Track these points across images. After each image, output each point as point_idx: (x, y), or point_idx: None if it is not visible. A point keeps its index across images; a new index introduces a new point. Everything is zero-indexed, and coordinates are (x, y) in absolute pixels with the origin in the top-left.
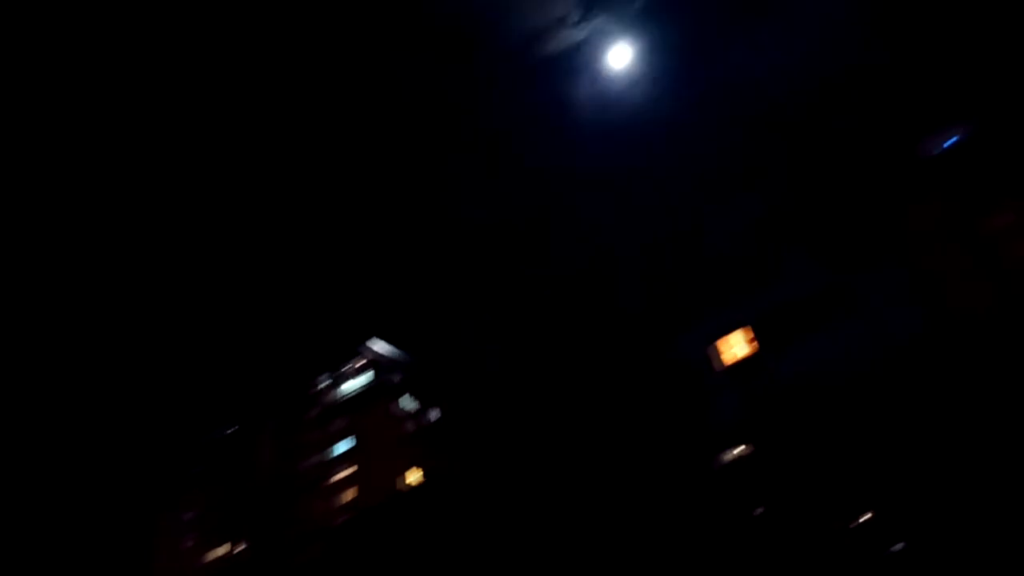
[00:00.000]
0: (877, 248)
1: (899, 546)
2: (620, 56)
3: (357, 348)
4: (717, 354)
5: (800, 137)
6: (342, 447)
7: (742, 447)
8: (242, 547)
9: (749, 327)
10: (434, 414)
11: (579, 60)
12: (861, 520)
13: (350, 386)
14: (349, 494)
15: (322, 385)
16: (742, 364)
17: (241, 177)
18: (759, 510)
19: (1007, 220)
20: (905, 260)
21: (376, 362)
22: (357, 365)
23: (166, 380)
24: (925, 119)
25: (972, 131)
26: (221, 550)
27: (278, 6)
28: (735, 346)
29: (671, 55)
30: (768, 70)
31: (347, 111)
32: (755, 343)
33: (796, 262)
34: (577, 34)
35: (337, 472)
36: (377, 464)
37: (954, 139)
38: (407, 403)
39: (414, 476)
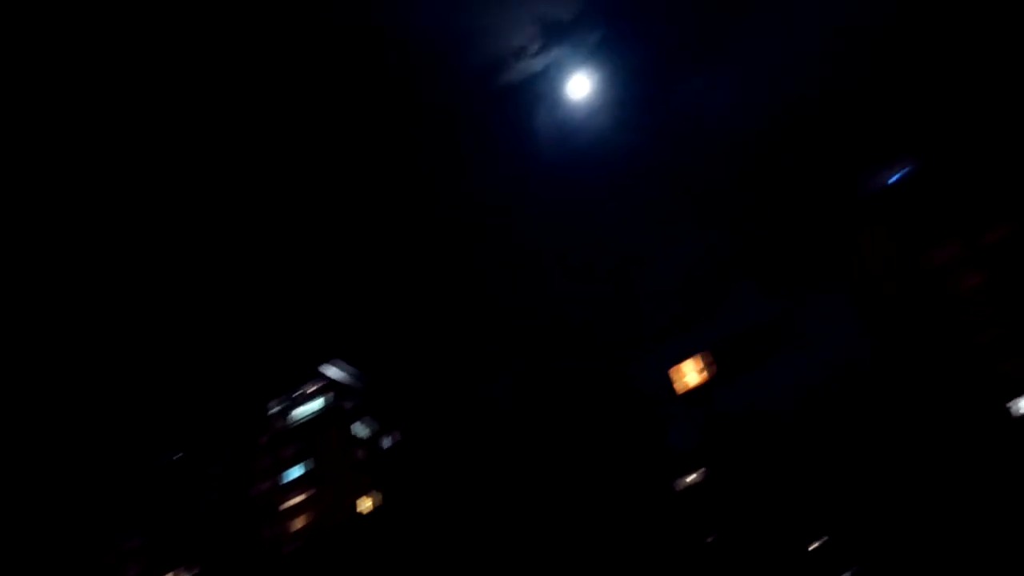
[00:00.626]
0: (825, 279)
1: (852, 571)
2: (578, 87)
3: (312, 371)
4: (673, 381)
5: (752, 171)
6: (295, 472)
7: (697, 473)
8: (193, 574)
9: (702, 355)
10: (389, 440)
11: (538, 89)
12: (815, 545)
13: (304, 410)
14: (302, 520)
15: (275, 409)
16: (696, 391)
17: (197, 198)
18: (713, 536)
19: (949, 254)
20: (852, 291)
21: (331, 386)
22: (312, 389)
23: (109, 402)
24: (871, 155)
25: (915, 168)
26: None
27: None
28: (689, 374)
29: (627, 89)
30: (721, 106)
31: (309, 134)
32: (708, 371)
33: (748, 292)
34: (536, 64)
35: (290, 498)
36: (331, 490)
37: (898, 175)
38: (362, 429)
39: (368, 502)
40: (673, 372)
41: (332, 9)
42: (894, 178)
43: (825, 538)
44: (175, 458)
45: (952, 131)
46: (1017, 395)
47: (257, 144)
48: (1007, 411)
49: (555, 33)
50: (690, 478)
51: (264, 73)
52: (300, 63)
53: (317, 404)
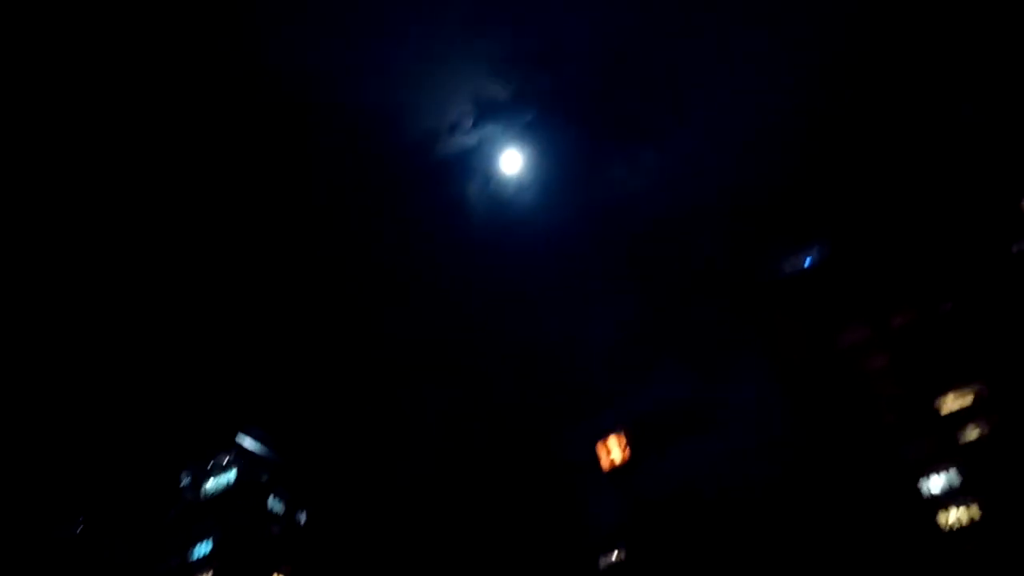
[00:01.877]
0: (744, 357)
1: None
2: (509, 163)
3: (226, 441)
4: (597, 456)
5: (673, 250)
6: (204, 549)
7: (618, 551)
8: None
9: (625, 431)
10: (303, 516)
11: (470, 164)
12: None
13: (216, 482)
14: None
15: (186, 480)
16: (619, 467)
17: (116, 266)
18: None
19: (857, 336)
20: (770, 370)
21: (243, 458)
22: (223, 461)
23: (8, 467)
24: (787, 240)
25: (825, 254)
26: None
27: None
28: (613, 450)
29: (556, 167)
30: (645, 188)
31: (237, 202)
32: (631, 447)
33: (670, 369)
34: (470, 140)
35: None
36: (240, 569)
37: (810, 260)
38: (276, 503)
39: None
40: (599, 447)
41: (277, 81)
42: (806, 263)
43: None
44: (77, 531)
45: (861, 221)
46: (924, 474)
47: (177, 210)
48: (917, 490)
49: (489, 111)
50: (612, 556)
51: (197, 137)
52: (237, 129)
53: (230, 476)
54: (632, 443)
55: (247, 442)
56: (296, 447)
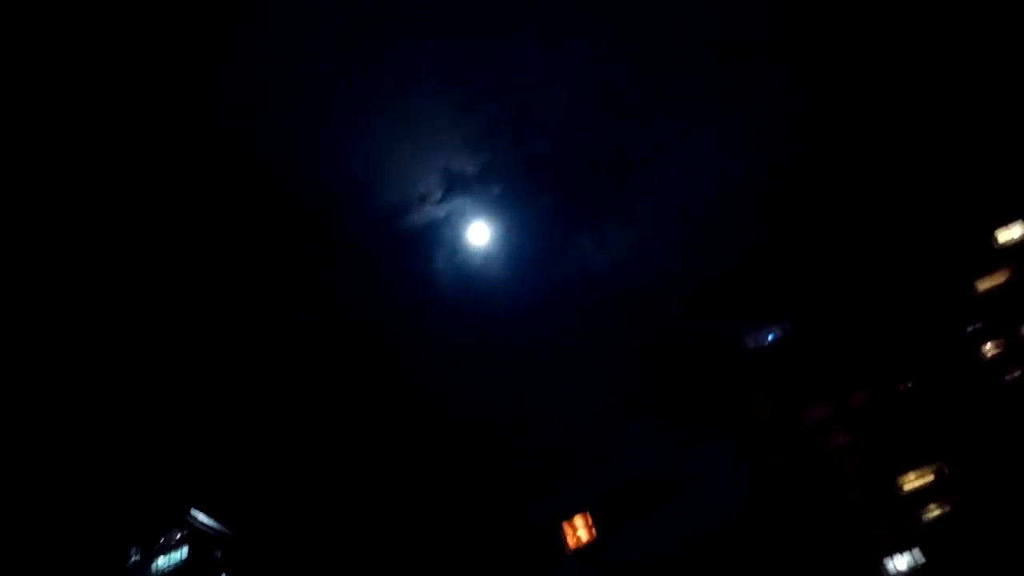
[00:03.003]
0: (711, 433)
1: None
2: (478, 235)
3: (175, 518)
4: (564, 535)
5: (639, 324)
6: None
7: None
8: None
9: (589, 511)
10: None
11: (438, 235)
12: None
13: (165, 561)
14: None
15: (134, 559)
16: (586, 545)
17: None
18: None
19: (820, 414)
20: (736, 445)
21: (195, 535)
22: (175, 537)
23: None
24: (751, 316)
25: (789, 330)
26: None
27: None
28: (579, 528)
29: (523, 240)
30: (611, 262)
31: (196, 273)
32: (597, 525)
33: (636, 444)
34: (439, 211)
35: None
36: None
37: (773, 337)
38: None
39: None
40: (564, 527)
41: (244, 149)
42: (770, 339)
43: None
44: None
45: (822, 299)
46: (888, 553)
47: (125, 279)
48: (880, 569)
49: (458, 184)
50: None
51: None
52: (200, 196)
53: (182, 552)
54: (598, 521)
55: (200, 517)
56: (252, 523)
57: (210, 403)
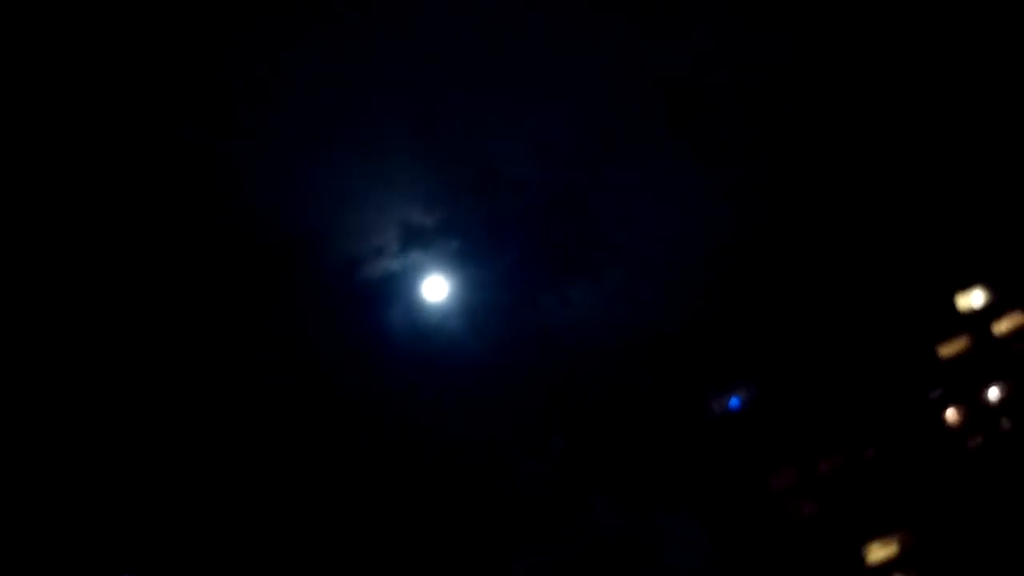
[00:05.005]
0: (676, 498)
1: None
2: (435, 290)
3: None
4: None
5: (602, 387)
6: None
7: None
8: None
9: None
10: None
11: (394, 289)
12: None
13: None
14: None
15: None
16: None
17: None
18: None
19: (789, 480)
20: (700, 511)
21: None
22: None
23: None
24: (718, 380)
25: (753, 396)
26: None
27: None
28: None
29: (482, 296)
30: (573, 322)
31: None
32: None
33: (599, 509)
34: (394, 265)
35: None
36: None
37: (738, 402)
38: None
39: None
40: None
41: (200, 200)
42: (734, 404)
43: None
44: None
45: (786, 364)
46: None
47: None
48: None
49: (415, 237)
50: None
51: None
52: (148, 244)
53: None
54: None
55: None
56: None
57: (143, 472)
